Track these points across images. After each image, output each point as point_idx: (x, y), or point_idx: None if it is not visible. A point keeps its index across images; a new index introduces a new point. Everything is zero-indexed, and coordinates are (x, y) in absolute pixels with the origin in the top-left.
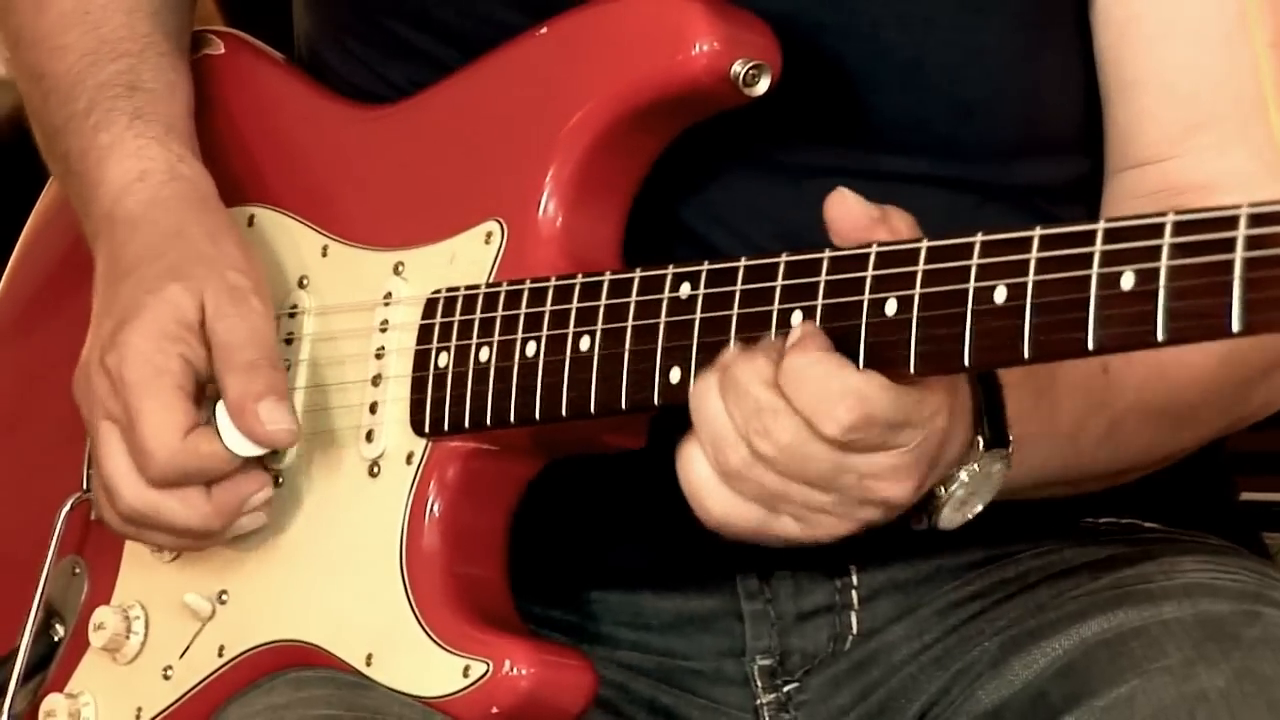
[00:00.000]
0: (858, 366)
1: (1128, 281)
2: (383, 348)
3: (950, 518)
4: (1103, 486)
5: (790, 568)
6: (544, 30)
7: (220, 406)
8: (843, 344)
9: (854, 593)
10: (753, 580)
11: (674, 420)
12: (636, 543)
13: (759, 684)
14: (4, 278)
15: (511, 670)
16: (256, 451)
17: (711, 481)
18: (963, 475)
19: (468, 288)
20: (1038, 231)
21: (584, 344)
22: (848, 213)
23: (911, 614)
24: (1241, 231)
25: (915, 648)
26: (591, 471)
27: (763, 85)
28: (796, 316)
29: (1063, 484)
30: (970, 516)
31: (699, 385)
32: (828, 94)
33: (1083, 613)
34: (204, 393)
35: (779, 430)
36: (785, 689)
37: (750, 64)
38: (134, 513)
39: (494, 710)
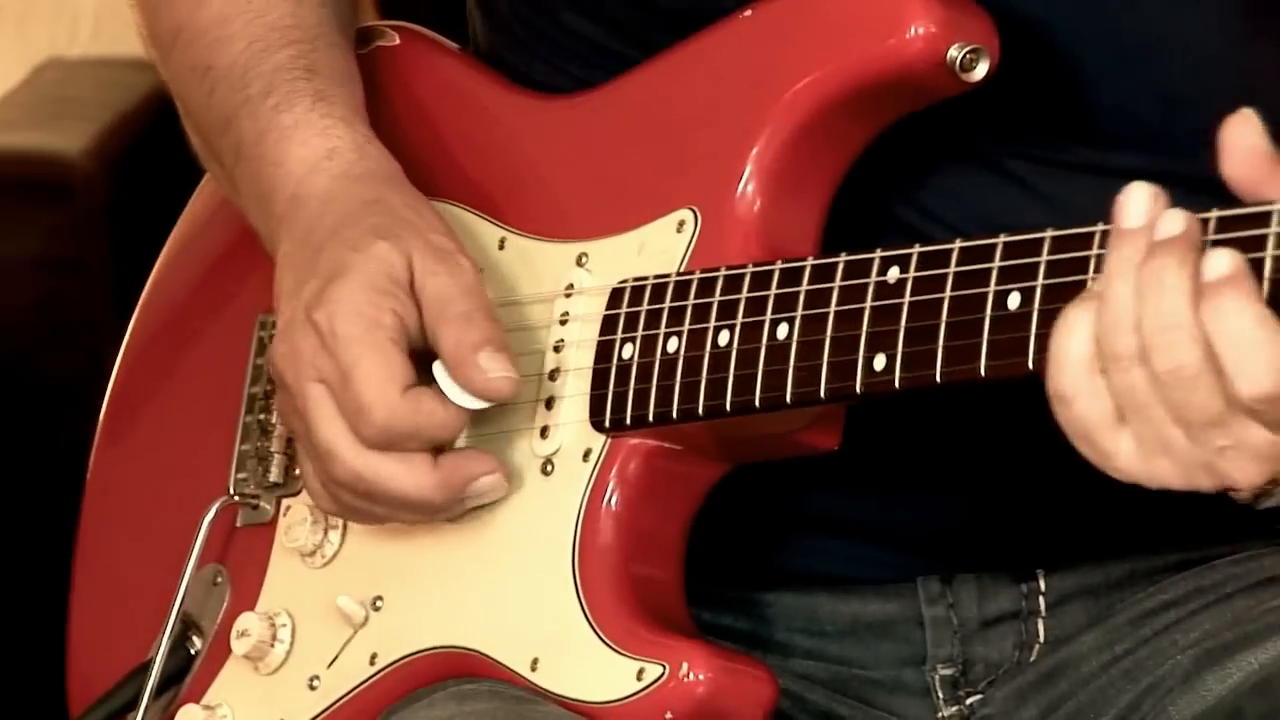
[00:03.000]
0: None
1: None
2: (562, 340)
3: None
4: None
5: (974, 570)
6: (747, 13)
7: (437, 365)
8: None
9: (1041, 598)
10: (934, 584)
11: (870, 419)
12: (813, 545)
13: (940, 695)
14: (150, 281)
15: (689, 675)
16: (478, 404)
17: (1080, 357)
18: None
19: (656, 277)
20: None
21: (781, 332)
22: (1245, 139)
23: (1102, 622)
24: None
25: (1106, 659)
26: (768, 470)
27: (981, 71)
28: (1014, 299)
29: None
30: None
31: (1113, 261)
32: (1034, 85)
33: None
34: (415, 355)
35: (1185, 356)
36: (968, 701)
37: (968, 48)
38: (355, 477)
39: (668, 716)
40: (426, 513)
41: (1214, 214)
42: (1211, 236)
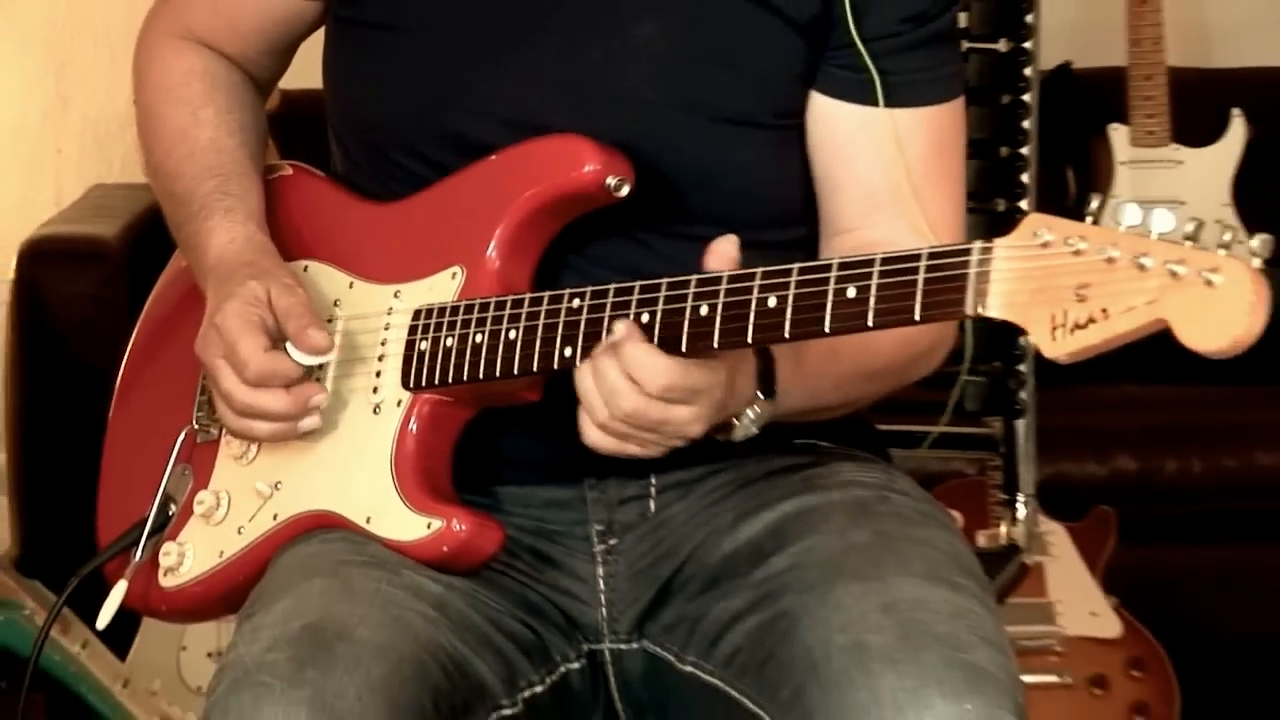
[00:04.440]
0: (681, 351)
1: (851, 293)
2: (385, 339)
3: (740, 435)
4: (836, 415)
5: (616, 475)
6: (493, 157)
7: (289, 344)
8: (670, 332)
9: (652, 488)
10: (593, 480)
11: (560, 384)
12: (527, 460)
13: (595, 541)
14: (149, 302)
15: (455, 525)
16: (312, 360)
17: (592, 428)
18: (750, 412)
19: (440, 304)
20: (796, 265)
21: (511, 334)
22: (724, 258)
23: (686, 498)
24: (923, 263)
25: (687, 517)
26: (503, 417)
27: (624, 190)
28: (645, 316)
29: (813, 412)
30: (751, 434)
31: (580, 374)
32: (656, 192)
33: (783, 497)
34: (273, 339)
35: (625, 401)
36: (610, 542)
37: (618, 177)
38: (244, 405)
39: (444, 549)
40: (290, 421)
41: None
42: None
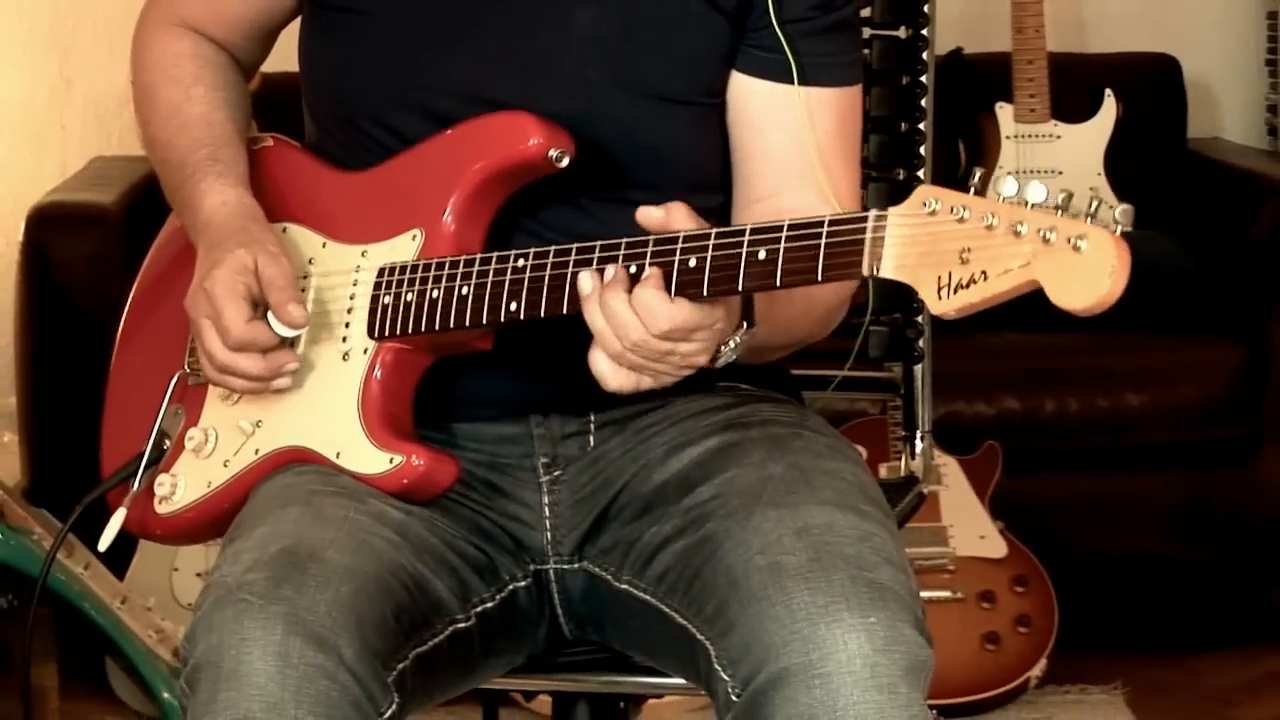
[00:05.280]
0: (670, 297)
1: (761, 255)
2: (354, 294)
3: (721, 362)
4: (780, 355)
5: (559, 413)
6: (448, 131)
7: (269, 313)
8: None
9: (591, 424)
10: (539, 417)
11: (511, 333)
12: (480, 400)
13: (541, 472)
14: (146, 260)
15: (414, 461)
16: (289, 333)
17: (607, 364)
18: (733, 341)
19: (401, 263)
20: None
21: (464, 289)
22: (649, 220)
23: (622, 434)
24: (825, 229)
25: (622, 451)
26: (460, 361)
27: (565, 162)
28: (581, 275)
29: (767, 351)
30: (730, 360)
31: (590, 312)
32: (595, 162)
33: (708, 433)
34: (256, 306)
35: (633, 333)
36: (554, 473)
37: (560, 149)
38: (223, 365)
39: (405, 482)
40: (262, 385)
41: (651, 245)
42: (649, 261)
